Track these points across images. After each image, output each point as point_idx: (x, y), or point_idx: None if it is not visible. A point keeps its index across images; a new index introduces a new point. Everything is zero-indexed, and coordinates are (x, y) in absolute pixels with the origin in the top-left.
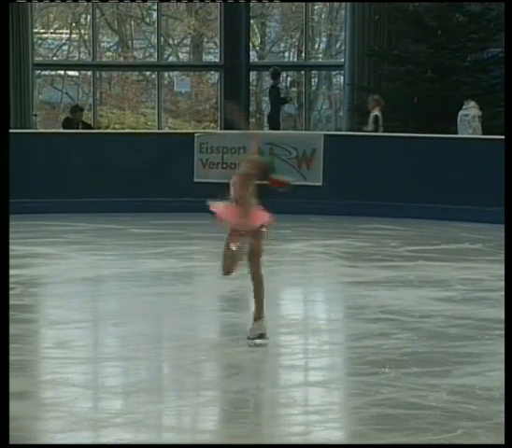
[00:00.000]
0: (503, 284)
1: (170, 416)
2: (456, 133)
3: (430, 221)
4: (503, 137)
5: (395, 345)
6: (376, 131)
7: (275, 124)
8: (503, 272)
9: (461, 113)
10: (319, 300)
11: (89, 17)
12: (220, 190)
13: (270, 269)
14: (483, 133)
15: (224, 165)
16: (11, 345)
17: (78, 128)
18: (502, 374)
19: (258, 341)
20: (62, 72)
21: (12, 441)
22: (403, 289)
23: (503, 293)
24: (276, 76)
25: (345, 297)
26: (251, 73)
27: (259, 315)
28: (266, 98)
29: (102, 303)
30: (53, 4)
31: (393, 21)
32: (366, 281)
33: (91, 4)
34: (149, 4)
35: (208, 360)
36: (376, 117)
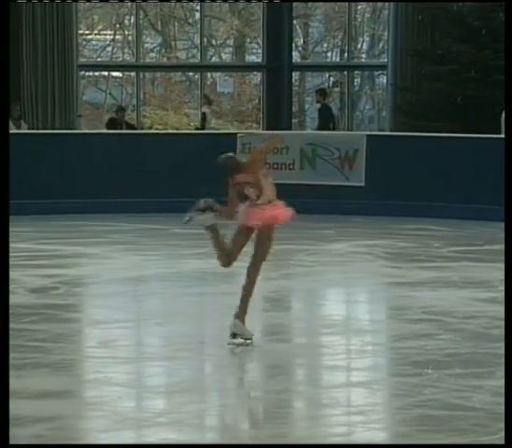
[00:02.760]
0: None
1: (212, 416)
2: (499, 133)
3: (473, 222)
4: None
5: (438, 346)
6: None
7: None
8: None
9: (504, 113)
10: (361, 300)
11: (132, 18)
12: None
13: (312, 269)
14: None
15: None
16: (55, 345)
17: (121, 128)
18: None
19: (235, 340)
20: (105, 73)
21: (58, 439)
22: (446, 290)
23: None
24: (324, 95)
25: (387, 297)
26: (294, 73)
27: (242, 315)
28: (309, 98)
29: (145, 303)
30: (98, 5)
31: (437, 20)
32: (409, 282)
33: (134, 5)
34: (192, 4)
35: (250, 360)
36: (203, 114)
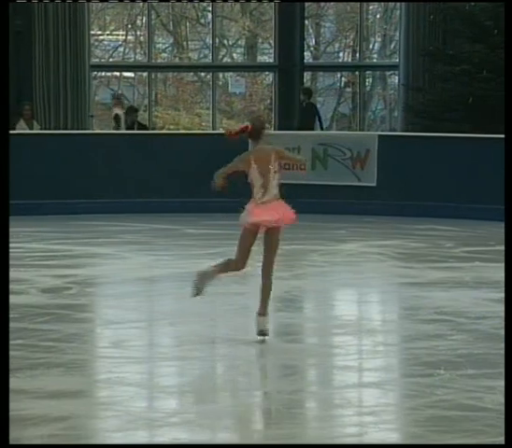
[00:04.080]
0: None
1: (224, 416)
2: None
3: (486, 222)
4: None
5: (450, 347)
6: (117, 129)
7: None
8: None
9: None
10: (373, 300)
11: (144, 18)
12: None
13: (324, 269)
14: None
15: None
16: (68, 345)
17: (133, 128)
18: None
19: (259, 337)
20: (117, 73)
21: (71, 439)
22: (458, 290)
23: None
24: (307, 94)
25: (399, 298)
26: (306, 73)
27: (263, 312)
28: (320, 99)
29: (157, 303)
30: (109, 6)
31: (449, 20)
32: (421, 282)
33: (146, 5)
34: (203, 5)
35: (262, 361)
36: (116, 116)
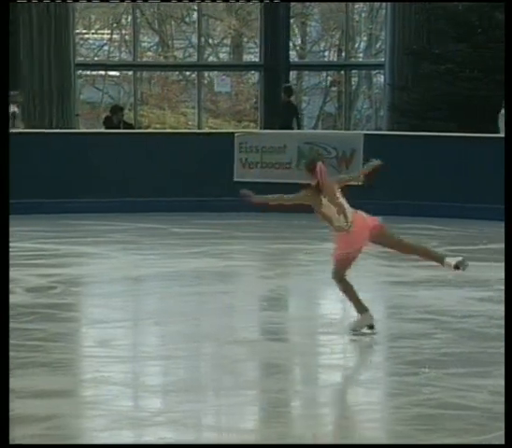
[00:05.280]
0: None
1: (210, 415)
2: (497, 132)
3: (470, 221)
4: None
5: (436, 345)
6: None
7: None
8: None
9: (501, 112)
10: None
11: (129, 17)
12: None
13: (308, 268)
14: None
15: (264, 165)
16: (53, 344)
17: (119, 128)
18: None
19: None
20: (103, 72)
21: (56, 438)
22: (443, 289)
23: None
24: (287, 92)
25: (384, 296)
26: (292, 72)
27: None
28: (306, 98)
29: (143, 302)
30: (94, 5)
31: (433, 20)
32: (406, 281)
33: (131, 4)
34: (189, 4)
35: (248, 360)
36: (13, 113)
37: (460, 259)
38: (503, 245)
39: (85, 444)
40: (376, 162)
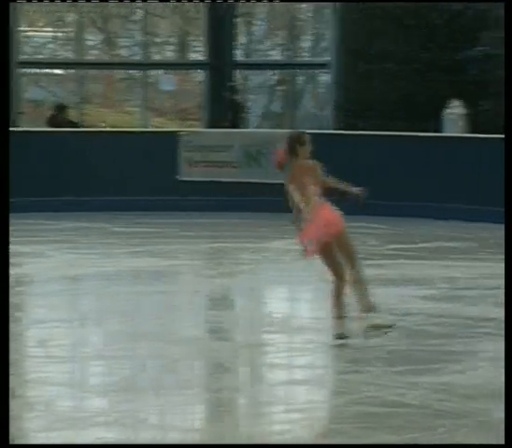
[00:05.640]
0: (482, 282)
1: (151, 415)
2: (436, 131)
3: (411, 219)
4: (489, 136)
5: (377, 343)
6: None
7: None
8: (482, 270)
9: (446, 111)
10: (302, 298)
11: (74, 15)
12: (205, 189)
13: (252, 267)
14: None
15: (208, 164)
16: None
17: (63, 126)
18: (483, 372)
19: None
20: (47, 70)
21: None
22: (384, 288)
23: (483, 291)
24: (234, 91)
25: (327, 295)
26: (237, 71)
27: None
28: (252, 96)
29: (83, 302)
30: (37, 2)
31: (373, 20)
32: (348, 279)
33: (75, 2)
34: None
35: (189, 359)
36: None
37: (382, 323)
38: (440, 244)
39: (85, 444)
40: (358, 191)
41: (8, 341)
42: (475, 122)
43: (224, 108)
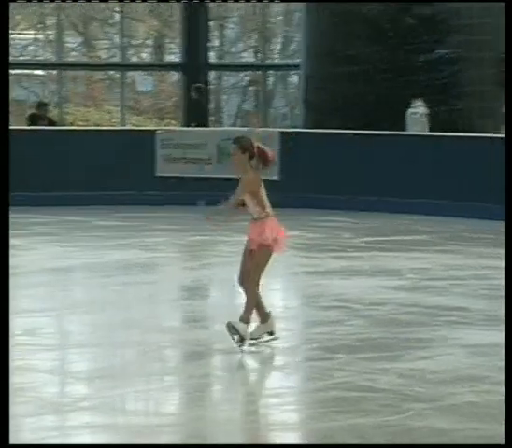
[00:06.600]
0: (451, 273)
1: (135, 401)
2: (404, 130)
3: (383, 214)
4: (449, 134)
5: (349, 332)
6: None
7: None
8: (451, 262)
9: (409, 111)
10: (275, 288)
11: (54, 18)
12: (181, 185)
13: (228, 259)
14: (428, 130)
15: (185, 161)
16: None
17: (44, 124)
18: (450, 358)
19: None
20: (29, 71)
21: None
22: (357, 279)
23: (451, 282)
24: (199, 91)
25: (301, 286)
26: (211, 72)
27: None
28: (225, 97)
29: (69, 293)
30: (18, 4)
31: (347, 22)
32: (321, 271)
33: (56, 5)
34: (111, 5)
35: (172, 347)
36: None
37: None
38: (410, 237)
39: (85, 444)
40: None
41: (8, 341)
42: (446, 121)
43: (191, 108)
